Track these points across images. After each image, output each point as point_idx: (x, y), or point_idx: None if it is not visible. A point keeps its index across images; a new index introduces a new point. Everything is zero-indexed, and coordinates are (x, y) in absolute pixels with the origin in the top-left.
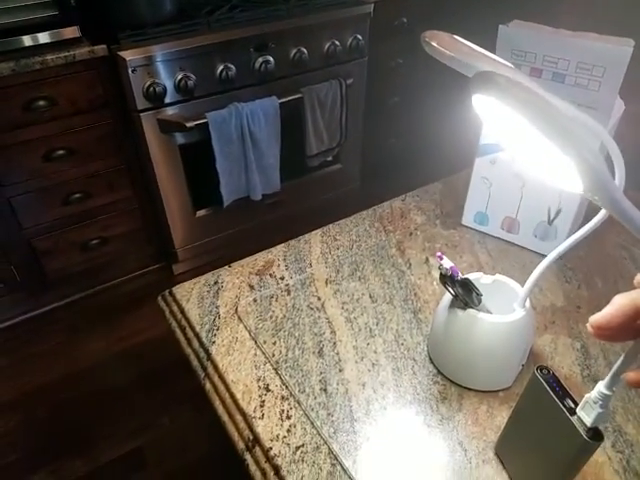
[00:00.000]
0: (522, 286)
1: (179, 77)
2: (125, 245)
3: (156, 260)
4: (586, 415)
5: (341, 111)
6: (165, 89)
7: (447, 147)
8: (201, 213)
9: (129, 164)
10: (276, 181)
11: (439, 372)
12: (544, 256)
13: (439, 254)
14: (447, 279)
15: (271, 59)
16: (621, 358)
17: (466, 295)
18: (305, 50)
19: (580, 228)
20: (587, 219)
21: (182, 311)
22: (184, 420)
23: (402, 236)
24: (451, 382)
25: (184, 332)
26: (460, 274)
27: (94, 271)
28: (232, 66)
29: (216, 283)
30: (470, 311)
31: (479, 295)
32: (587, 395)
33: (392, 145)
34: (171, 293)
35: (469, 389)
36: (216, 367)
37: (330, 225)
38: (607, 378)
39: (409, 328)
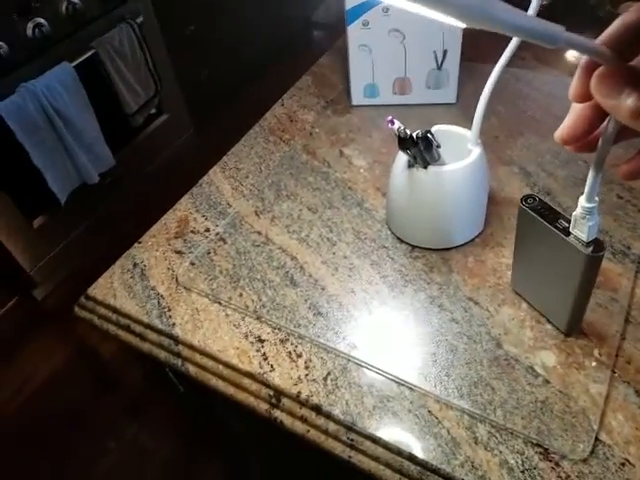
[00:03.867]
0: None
1: None
2: None
3: (10, 295)
4: (580, 232)
5: (144, 55)
6: None
7: (267, 48)
8: (39, 222)
9: None
10: (108, 155)
11: (413, 247)
12: (445, 105)
13: (389, 118)
14: (407, 141)
15: (42, 21)
16: (591, 166)
17: (428, 152)
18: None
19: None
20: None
21: (115, 310)
22: (129, 439)
23: (304, 139)
24: (429, 250)
25: (129, 330)
26: (419, 132)
27: None
28: (1, 43)
29: (136, 265)
30: (432, 168)
31: (439, 147)
32: (574, 213)
33: (209, 76)
34: (89, 297)
35: (448, 249)
36: (192, 346)
37: (224, 157)
38: (585, 191)
39: (363, 221)
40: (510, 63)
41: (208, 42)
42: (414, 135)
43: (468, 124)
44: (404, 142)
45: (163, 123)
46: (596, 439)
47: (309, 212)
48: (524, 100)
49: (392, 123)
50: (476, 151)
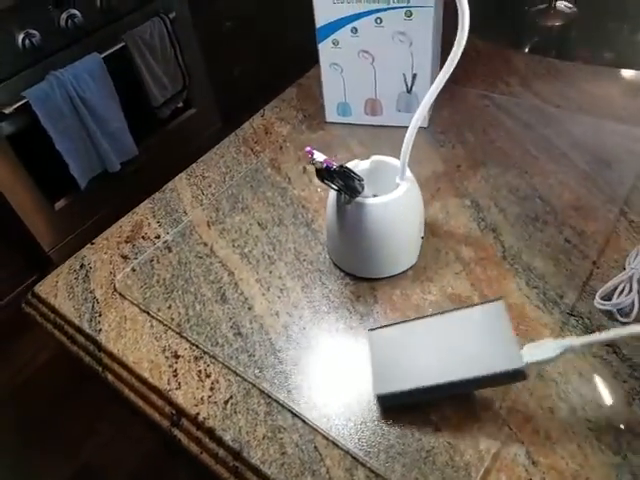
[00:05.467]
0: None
1: None
2: None
3: (28, 274)
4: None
5: (174, 50)
6: None
7: (300, 51)
8: (60, 205)
9: None
10: (130, 145)
11: (347, 274)
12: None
13: (308, 149)
14: (324, 173)
15: (76, 12)
16: None
17: (348, 185)
18: None
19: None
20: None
21: (53, 309)
22: (118, 422)
23: (273, 153)
24: (361, 279)
25: (63, 331)
26: (334, 165)
27: None
28: (34, 31)
29: (82, 267)
30: (357, 201)
31: (360, 181)
32: (561, 341)
33: (241, 73)
34: (34, 294)
35: (379, 279)
36: (111, 355)
37: (194, 165)
38: None
39: (306, 242)
40: (494, 88)
41: (244, 39)
42: (330, 168)
43: (436, 150)
44: (320, 174)
45: (190, 117)
46: None
47: (258, 227)
48: (496, 129)
49: (311, 154)
50: (403, 186)
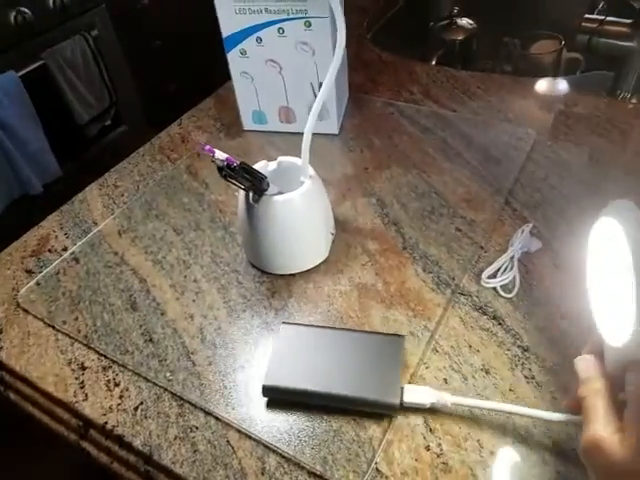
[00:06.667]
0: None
1: None
2: None
3: None
4: (409, 394)
5: (98, 67)
6: None
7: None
8: None
9: None
10: (53, 165)
11: (263, 272)
12: (328, 135)
13: (208, 147)
14: (226, 171)
15: None
16: None
17: (252, 183)
18: (27, 10)
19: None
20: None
21: None
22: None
23: (190, 160)
24: (277, 276)
25: None
26: (236, 162)
27: None
28: None
29: None
30: (263, 199)
31: (263, 178)
32: (437, 393)
33: (174, 91)
34: None
35: (293, 275)
36: (13, 372)
37: (106, 174)
38: None
39: (224, 245)
40: (399, 97)
41: (177, 57)
42: (232, 165)
43: (346, 154)
44: (222, 172)
45: (120, 135)
46: (377, 470)
47: (173, 233)
48: (400, 134)
49: (212, 152)
50: (306, 183)
